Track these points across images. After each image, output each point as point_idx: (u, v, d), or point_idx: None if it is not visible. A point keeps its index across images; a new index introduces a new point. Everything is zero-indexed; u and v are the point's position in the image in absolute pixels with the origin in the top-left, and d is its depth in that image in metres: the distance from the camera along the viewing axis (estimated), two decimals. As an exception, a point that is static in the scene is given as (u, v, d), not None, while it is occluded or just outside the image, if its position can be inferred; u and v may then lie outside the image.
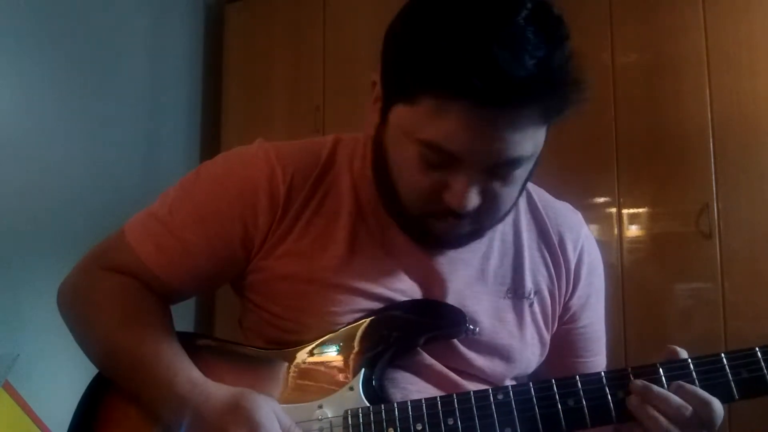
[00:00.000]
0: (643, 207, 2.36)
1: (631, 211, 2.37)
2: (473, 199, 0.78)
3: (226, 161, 0.94)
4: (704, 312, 2.21)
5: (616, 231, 2.37)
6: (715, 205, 2.23)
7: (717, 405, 0.77)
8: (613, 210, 2.38)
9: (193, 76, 3.06)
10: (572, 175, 2.20)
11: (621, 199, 2.37)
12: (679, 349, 0.82)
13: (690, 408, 0.77)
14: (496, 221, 0.89)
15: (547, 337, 0.97)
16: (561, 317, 0.98)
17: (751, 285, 2.16)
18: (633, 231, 2.36)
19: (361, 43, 2.72)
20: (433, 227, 0.85)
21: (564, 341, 0.99)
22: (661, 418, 0.77)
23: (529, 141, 0.77)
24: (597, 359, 1.02)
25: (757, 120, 2.21)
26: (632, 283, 2.30)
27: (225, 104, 3.04)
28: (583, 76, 0.75)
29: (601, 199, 2.40)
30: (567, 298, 0.98)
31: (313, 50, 2.86)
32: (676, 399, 0.77)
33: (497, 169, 0.78)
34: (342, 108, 2.73)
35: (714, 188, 2.23)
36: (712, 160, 2.24)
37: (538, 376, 0.98)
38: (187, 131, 3.01)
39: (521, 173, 0.81)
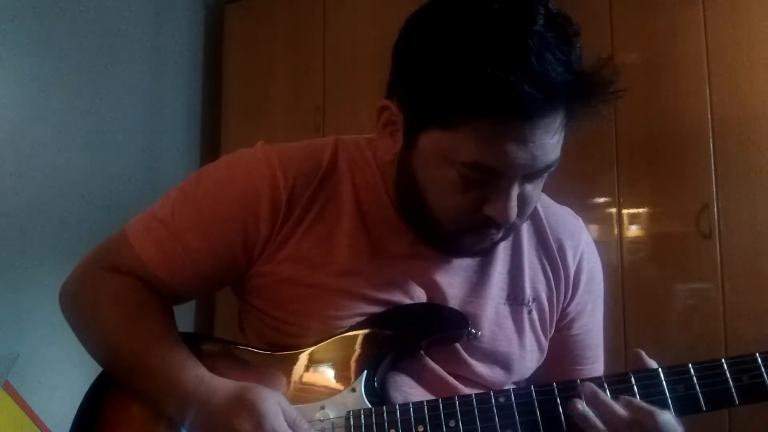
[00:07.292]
0: (643, 207, 2.36)
1: (631, 211, 2.37)
2: (515, 209, 0.79)
3: (227, 165, 0.94)
4: (704, 312, 2.21)
5: (616, 231, 2.36)
6: (715, 205, 2.22)
7: (662, 416, 0.76)
8: (613, 210, 2.38)
9: (193, 76, 3.06)
10: (572, 175, 2.18)
11: (621, 199, 2.37)
12: (644, 356, 0.83)
13: (628, 419, 0.76)
14: (522, 223, 0.89)
15: (545, 343, 0.97)
16: (558, 323, 0.98)
17: (751, 285, 2.16)
18: (633, 231, 2.36)
19: (361, 43, 2.72)
20: (467, 241, 0.85)
21: (561, 348, 0.99)
22: (599, 424, 0.77)
23: (560, 142, 0.78)
24: (594, 366, 1.02)
25: (757, 120, 2.21)
26: (632, 283, 2.30)
27: (225, 104, 3.03)
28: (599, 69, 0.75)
29: (601, 199, 2.40)
30: (565, 305, 0.98)
31: (313, 50, 2.85)
32: (617, 408, 0.77)
33: (534, 174, 0.79)
34: (342, 108, 2.72)
35: (714, 188, 2.23)
36: (712, 160, 2.24)
37: (536, 382, 0.98)
38: (187, 131, 3.01)
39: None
